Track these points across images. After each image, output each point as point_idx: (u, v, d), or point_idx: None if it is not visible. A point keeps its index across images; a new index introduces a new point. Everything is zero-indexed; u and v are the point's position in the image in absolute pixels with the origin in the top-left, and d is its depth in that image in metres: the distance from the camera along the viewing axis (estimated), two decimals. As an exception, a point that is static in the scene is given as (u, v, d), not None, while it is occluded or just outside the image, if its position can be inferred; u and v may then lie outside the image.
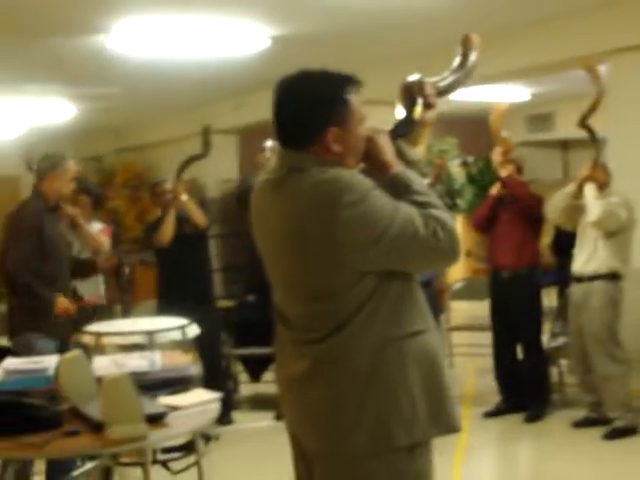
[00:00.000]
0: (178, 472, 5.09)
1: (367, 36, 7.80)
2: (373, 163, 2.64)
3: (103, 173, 14.61)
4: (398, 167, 2.63)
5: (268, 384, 7.32)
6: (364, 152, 2.64)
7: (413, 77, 2.80)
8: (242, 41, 7.67)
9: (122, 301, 6.57)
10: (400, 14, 7.03)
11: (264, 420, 7.14)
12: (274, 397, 6.13)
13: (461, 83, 2.90)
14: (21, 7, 6.47)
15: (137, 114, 12.75)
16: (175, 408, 3.60)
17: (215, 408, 3.72)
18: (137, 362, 4.03)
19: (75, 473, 4.33)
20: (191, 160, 7.04)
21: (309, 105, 2.56)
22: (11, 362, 4.08)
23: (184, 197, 6.86)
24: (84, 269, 6.45)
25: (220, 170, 12.16)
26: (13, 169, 16.94)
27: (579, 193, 6.41)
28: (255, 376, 7.77)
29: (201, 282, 7.02)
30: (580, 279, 6.53)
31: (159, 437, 3.46)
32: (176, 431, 3.52)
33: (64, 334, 5.38)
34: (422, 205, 2.53)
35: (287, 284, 2.68)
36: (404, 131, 2.77)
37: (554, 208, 6.62)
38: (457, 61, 2.91)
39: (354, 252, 2.46)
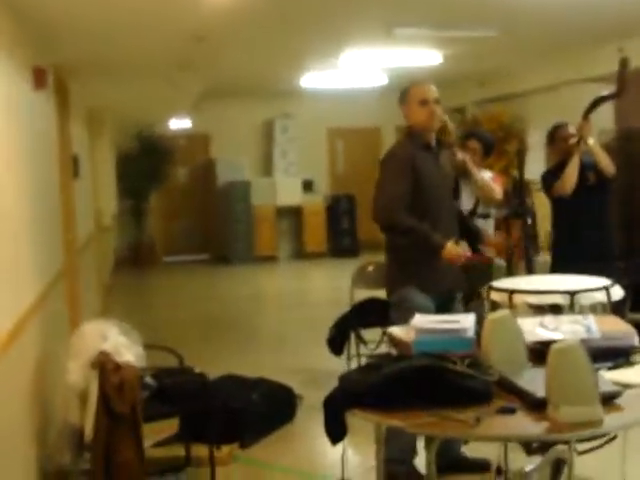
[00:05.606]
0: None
1: None
2: None
3: (466, 125, 14.09)
4: None
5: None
6: None
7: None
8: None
9: (526, 256, 5.89)
10: None
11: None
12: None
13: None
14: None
15: (508, 60, 12.07)
16: (626, 386, 2.94)
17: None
18: (571, 327, 3.34)
19: (527, 468, 3.79)
20: (602, 100, 6.21)
21: None
22: (421, 320, 3.57)
23: (591, 141, 6.13)
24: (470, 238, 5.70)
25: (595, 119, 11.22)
26: (375, 120, 17.09)
27: None
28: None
29: (604, 238, 6.29)
30: None
31: (614, 423, 2.81)
32: (633, 416, 2.84)
33: (444, 289, 4.86)
34: None
35: None
36: None
37: None
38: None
39: None
